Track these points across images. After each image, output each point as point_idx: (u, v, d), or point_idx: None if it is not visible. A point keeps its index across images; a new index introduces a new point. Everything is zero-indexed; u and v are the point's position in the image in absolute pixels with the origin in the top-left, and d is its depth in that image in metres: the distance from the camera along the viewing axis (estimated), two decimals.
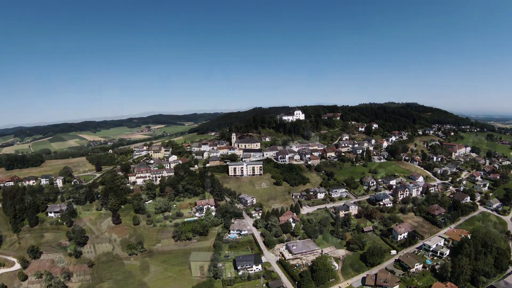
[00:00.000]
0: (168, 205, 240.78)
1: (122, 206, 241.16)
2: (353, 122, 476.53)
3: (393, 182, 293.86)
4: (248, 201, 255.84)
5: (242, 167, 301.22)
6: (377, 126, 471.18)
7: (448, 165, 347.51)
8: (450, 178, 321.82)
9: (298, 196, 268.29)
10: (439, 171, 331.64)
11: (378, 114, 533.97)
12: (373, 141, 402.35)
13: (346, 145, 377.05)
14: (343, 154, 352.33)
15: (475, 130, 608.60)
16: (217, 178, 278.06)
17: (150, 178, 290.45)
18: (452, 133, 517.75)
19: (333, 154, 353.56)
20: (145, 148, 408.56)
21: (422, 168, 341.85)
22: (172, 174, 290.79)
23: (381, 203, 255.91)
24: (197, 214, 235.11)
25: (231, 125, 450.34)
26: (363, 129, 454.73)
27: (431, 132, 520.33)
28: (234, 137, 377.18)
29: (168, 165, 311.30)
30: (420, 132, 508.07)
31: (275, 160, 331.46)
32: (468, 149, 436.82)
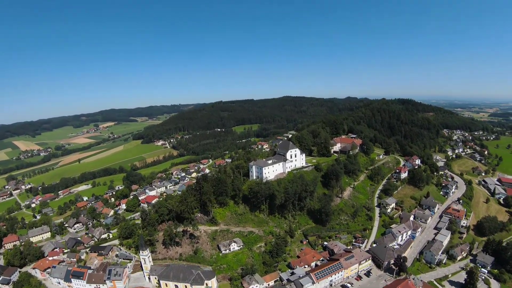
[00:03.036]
0: None
1: None
2: (376, 153, 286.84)
3: None
4: None
5: None
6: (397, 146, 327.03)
7: None
8: None
9: None
10: None
11: (393, 126, 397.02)
12: (437, 208, 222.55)
13: (404, 235, 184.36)
14: None
15: (491, 138, 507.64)
16: None
17: None
18: (486, 151, 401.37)
19: None
20: None
21: None
22: None
23: None
24: None
25: (141, 230, 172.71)
26: (385, 157, 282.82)
27: (460, 150, 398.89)
28: (149, 260, 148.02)
29: None
30: (450, 152, 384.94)
31: None
32: None
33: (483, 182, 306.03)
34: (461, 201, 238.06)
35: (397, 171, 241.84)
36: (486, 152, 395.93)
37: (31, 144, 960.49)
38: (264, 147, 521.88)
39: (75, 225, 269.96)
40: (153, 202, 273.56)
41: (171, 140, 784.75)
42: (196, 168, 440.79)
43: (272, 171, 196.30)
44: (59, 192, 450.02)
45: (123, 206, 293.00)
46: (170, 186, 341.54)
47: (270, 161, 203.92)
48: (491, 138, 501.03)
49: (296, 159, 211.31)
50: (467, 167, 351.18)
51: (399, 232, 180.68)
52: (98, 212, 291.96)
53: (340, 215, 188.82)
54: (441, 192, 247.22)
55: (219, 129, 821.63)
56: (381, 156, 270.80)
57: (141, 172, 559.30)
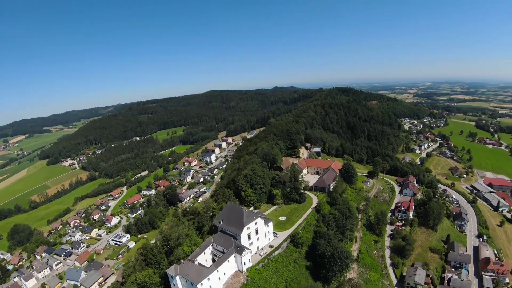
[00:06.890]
0: None
1: None
2: (359, 175, 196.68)
3: None
4: None
5: None
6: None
7: None
8: None
9: None
10: None
11: (354, 126, 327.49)
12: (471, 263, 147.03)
13: None
14: None
15: (441, 124, 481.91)
16: None
17: None
18: (452, 144, 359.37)
19: None
20: None
21: None
22: None
23: None
24: None
25: None
26: (373, 183, 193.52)
27: (426, 146, 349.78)
28: None
29: None
30: (418, 151, 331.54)
31: None
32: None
33: (475, 191, 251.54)
34: (484, 237, 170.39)
35: (403, 208, 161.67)
36: (452, 145, 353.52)
37: None
38: (193, 164, 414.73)
39: None
40: None
41: (81, 158, 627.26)
42: (102, 209, 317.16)
43: (216, 280, 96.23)
44: None
45: None
46: (57, 265, 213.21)
47: (207, 258, 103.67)
48: (441, 125, 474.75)
49: (259, 236, 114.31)
50: (444, 168, 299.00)
51: None
52: None
53: None
54: (456, 227, 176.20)
55: (138, 138, 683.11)
56: (368, 183, 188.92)
57: (40, 213, 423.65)
